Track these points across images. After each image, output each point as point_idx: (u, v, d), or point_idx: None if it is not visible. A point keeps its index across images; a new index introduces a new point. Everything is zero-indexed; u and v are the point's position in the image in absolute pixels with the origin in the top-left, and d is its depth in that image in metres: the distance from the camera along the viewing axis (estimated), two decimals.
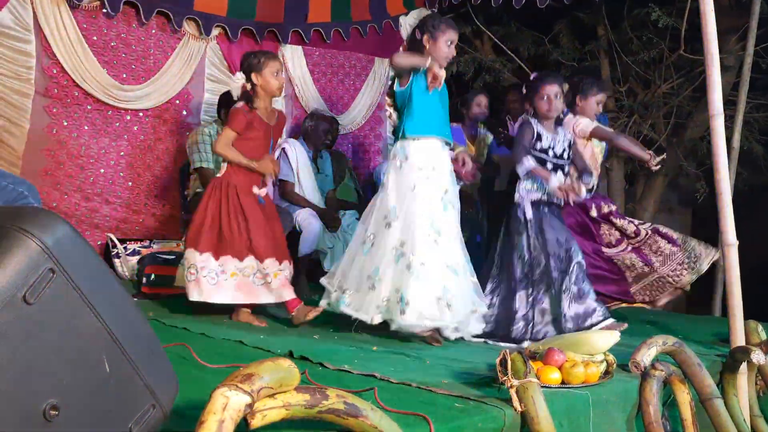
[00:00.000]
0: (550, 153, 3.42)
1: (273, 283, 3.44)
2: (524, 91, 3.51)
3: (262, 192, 3.52)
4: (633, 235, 3.84)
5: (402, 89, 3.18)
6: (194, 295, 3.36)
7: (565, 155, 3.46)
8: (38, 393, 1.13)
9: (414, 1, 5.91)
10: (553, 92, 3.38)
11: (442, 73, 3.08)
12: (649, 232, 3.83)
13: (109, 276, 1.23)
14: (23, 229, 1.10)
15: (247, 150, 3.42)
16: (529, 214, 3.41)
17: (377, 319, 3.07)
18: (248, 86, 3.37)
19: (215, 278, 3.36)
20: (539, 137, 3.41)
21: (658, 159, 3.74)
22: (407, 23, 5.92)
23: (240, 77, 3.37)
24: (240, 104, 3.40)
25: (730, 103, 4.77)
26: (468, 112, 4.79)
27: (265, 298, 3.46)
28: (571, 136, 3.55)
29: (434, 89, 3.15)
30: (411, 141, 3.15)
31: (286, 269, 3.52)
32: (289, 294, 3.44)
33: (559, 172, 3.43)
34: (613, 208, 3.93)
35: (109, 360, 1.19)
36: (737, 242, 3.04)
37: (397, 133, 3.23)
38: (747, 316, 3.11)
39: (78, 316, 1.14)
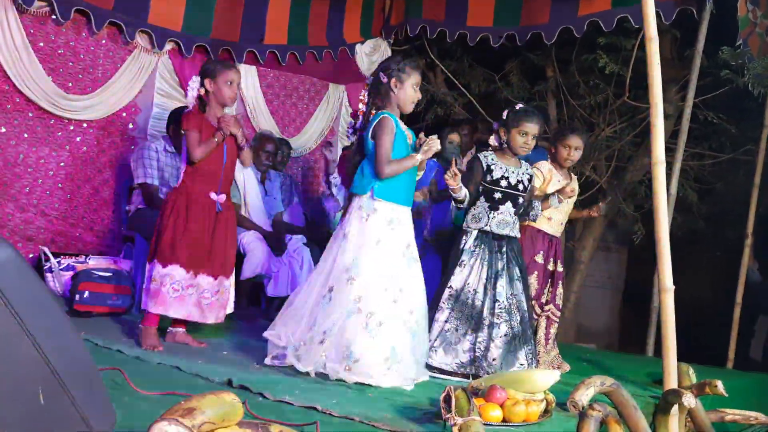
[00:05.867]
0: (503, 183, 3.43)
1: (217, 301, 3.45)
2: (504, 116, 3.47)
3: (221, 198, 3.48)
4: (543, 303, 3.84)
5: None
6: (151, 307, 3.33)
7: (521, 187, 3.49)
8: None
9: (371, 30, 5.97)
10: (532, 132, 3.42)
11: (431, 149, 3.09)
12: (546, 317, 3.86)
13: (53, 302, 1.16)
14: None
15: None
16: (469, 242, 3.43)
17: (313, 372, 2.93)
18: (202, 91, 3.42)
19: (178, 291, 3.35)
20: (489, 170, 3.45)
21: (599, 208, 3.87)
22: (362, 51, 5.97)
23: (195, 81, 3.42)
24: (189, 108, 3.47)
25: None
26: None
27: (209, 316, 3.46)
28: (532, 171, 3.58)
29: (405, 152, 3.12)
30: (379, 201, 3.07)
31: (227, 287, 3.54)
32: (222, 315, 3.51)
33: (509, 203, 3.46)
34: (561, 270, 3.92)
35: (45, 391, 1.12)
36: (674, 287, 3.13)
37: (364, 184, 3.10)
38: (678, 358, 3.21)
39: (15, 343, 1.08)
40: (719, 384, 3.05)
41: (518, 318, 3.40)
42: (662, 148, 3.09)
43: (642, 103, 5.45)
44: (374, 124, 3.08)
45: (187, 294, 3.37)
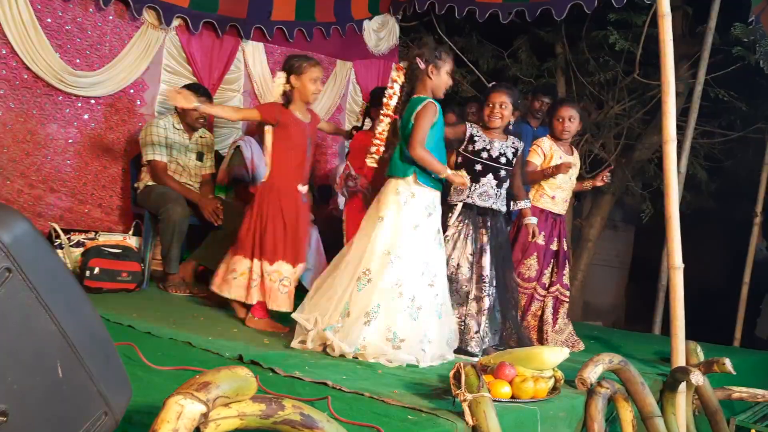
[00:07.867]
0: (483, 155, 3.46)
1: (291, 288, 3.54)
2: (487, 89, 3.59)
3: (304, 189, 3.60)
4: (546, 284, 3.87)
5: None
6: (270, 304, 3.46)
7: (503, 160, 3.49)
8: None
9: (379, 6, 5.91)
10: (499, 101, 3.45)
11: (461, 180, 3.24)
12: (558, 297, 3.88)
13: (69, 277, 1.17)
14: None
15: (286, 148, 3.52)
16: (454, 217, 3.46)
17: (352, 354, 2.88)
18: (287, 87, 3.51)
19: (287, 286, 3.47)
20: (472, 140, 3.47)
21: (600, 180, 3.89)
22: (370, 28, 5.92)
23: (281, 76, 3.51)
24: (275, 99, 3.58)
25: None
26: None
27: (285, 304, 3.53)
28: (520, 145, 3.59)
29: (441, 141, 3.18)
30: (420, 186, 3.10)
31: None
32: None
33: (490, 175, 3.47)
34: (567, 249, 3.94)
35: (62, 365, 1.14)
36: (683, 265, 3.13)
37: (401, 167, 3.11)
38: (685, 336, 3.22)
39: (33, 318, 1.09)
40: (727, 362, 3.06)
41: (502, 289, 3.46)
42: (674, 125, 3.08)
43: (652, 80, 5.41)
44: (419, 107, 3.08)
45: (292, 288, 3.51)
